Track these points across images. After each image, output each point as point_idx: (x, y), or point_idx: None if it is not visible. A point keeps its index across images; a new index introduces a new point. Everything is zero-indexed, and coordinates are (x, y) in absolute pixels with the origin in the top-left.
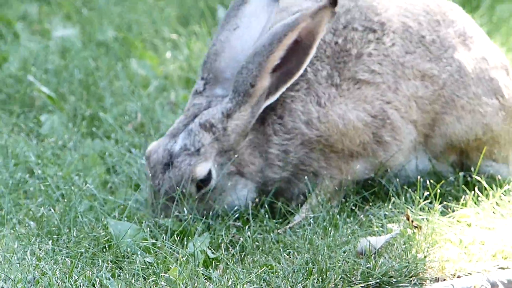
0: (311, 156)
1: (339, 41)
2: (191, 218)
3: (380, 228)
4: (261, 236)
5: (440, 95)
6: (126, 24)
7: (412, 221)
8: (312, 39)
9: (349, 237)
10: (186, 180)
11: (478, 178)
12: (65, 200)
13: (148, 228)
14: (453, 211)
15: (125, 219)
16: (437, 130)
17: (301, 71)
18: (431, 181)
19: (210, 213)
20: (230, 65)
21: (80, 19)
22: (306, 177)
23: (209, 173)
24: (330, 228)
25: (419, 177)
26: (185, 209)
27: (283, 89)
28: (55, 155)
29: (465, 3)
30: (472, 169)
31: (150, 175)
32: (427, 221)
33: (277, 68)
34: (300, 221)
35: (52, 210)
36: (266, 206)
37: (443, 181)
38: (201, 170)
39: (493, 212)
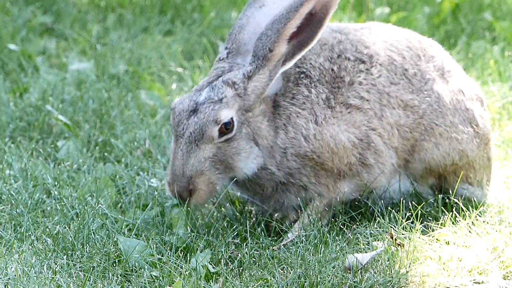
0: (302, 171)
1: (334, 68)
2: (194, 236)
3: (366, 246)
4: (258, 252)
5: (420, 123)
6: (136, 59)
7: (396, 239)
8: (326, 12)
9: (338, 253)
10: (210, 122)
11: (455, 200)
12: (79, 219)
13: (154, 245)
14: (433, 230)
15: (134, 236)
16: (416, 156)
17: (314, 42)
18: (413, 202)
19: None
20: (253, 39)
21: (95, 54)
22: (295, 190)
23: (232, 120)
24: (320, 245)
25: (402, 199)
26: (203, 159)
27: (298, 56)
28: (70, 178)
29: (444, 40)
30: (450, 191)
31: (175, 123)
32: (409, 239)
33: (293, 36)
34: (293, 239)
35: (67, 228)
36: (263, 224)
37: (423, 203)
38: (225, 114)
39: (469, 231)
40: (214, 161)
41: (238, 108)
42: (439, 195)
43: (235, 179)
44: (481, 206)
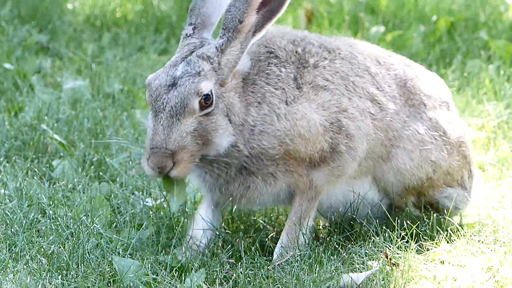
0: (271, 155)
1: (298, 50)
2: (188, 256)
3: (361, 265)
4: (252, 272)
5: (390, 125)
6: (131, 78)
7: (390, 259)
8: None
9: (333, 273)
10: (191, 95)
11: (450, 219)
12: (74, 238)
13: (149, 265)
14: (428, 249)
15: (129, 256)
16: (389, 164)
17: (282, 11)
18: (408, 221)
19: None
20: (216, 11)
21: (90, 73)
22: (262, 176)
23: (211, 92)
24: (315, 265)
25: (396, 218)
26: (185, 133)
27: (268, 26)
28: (65, 197)
29: (439, 59)
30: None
31: (152, 99)
32: (404, 258)
33: (262, 6)
34: (288, 258)
35: (62, 248)
36: (257, 244)
37: (418, 222)
38: (205, 86)
39: (464, 251)
40: (195, 135)
41: (214, 81)
42: (433, 215)
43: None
44: (476, 225)
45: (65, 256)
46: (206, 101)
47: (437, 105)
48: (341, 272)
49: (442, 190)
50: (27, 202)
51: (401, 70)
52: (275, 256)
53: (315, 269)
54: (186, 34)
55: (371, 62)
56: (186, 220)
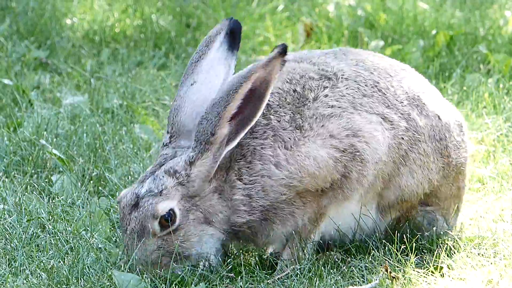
0: (284, 200)
1: (297, 88)
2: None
3: (361, 279)
4: (252, 286)
5: (401, 143)
6: (130, 93)
7: (390, 272)
8: (266, 87)
9: (333, 286)
10: (149, 217)
11: (450, 232)
12: (74, 253)
13: (149, 279)
14: (428, 263)
15: (128, 270)
16: (393, 182)
17: (257, 117)
18: (407, 235)
19: (182, 259)
20: (191, 118)
21: (89, 88)
22: (284, 220)
23: (173, 211)
24: (315, 279)
25: (396, 232)
26: (149, 253)
27: (241, 134)
28: (65, 212)
29: (439, 73)
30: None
31: (120, 217)
32: (404, 272)
33: (235, 116)
34: (288, 272)
35: (62, 262)
36: (257, 258)
37: (418, 236)
38: (162, 207)
39: (464, 264)
40: (162, 253)
41: (180, 197)
42: (433, 228)
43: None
44: (476, 239)
45: (65, 270)
46: (166, 220)
47: (451, 124)
48: (341, 285)
49: (426, 213)
50: (26, 217)
51: (414, 82)
52: (281, 258)
53: (315, 283)
54: (163, 143)
55: (379, 76)
56: None
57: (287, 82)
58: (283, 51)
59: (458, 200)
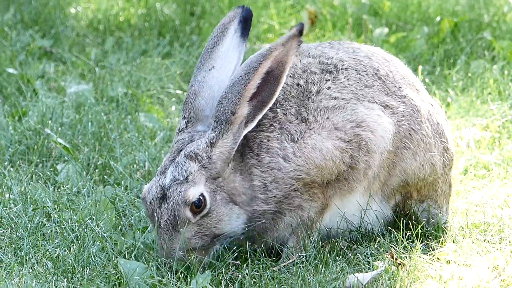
0: (293, 194)
1: (300, 82)
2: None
3: (367, 265)
4: (258, 273)
5: (400, 126)
6: (135, 81)
7: (396, 259)
8: (282, 69)
9: (338, 273)
10: (180, 205)
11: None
12: (79, 242)
13: (155, 267)
14: (433, 249)
15: (134, 258)
16: (397, 167)
17: (274, 99)
18: (413, 222)
19: (213, 248)
20: (209, 103)
21: (93, 77)
22: (292, 212)
23: (202, 196)
24: (320, 266)
25: (402, 218)
26: (186, 240)
27: (259, 116)
28: (70, 201)
29: (443, 60)
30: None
31: (149, 213)
32: (410, 258)
33: (254, 96)
34: (294, 259)
35: (68, 251)
36: (263, 246)
37: (423, 222)
38: (192, 193)
39: (470, 250)
40: (199, 236)
41: (205, 180)
42: (439, 213)
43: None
44: (481, 225)
45: (71, 259)
46: (198, 206)
47: (442, 116)
48: (347, 272)
49: (423, 204)
50: (32, 206)
51: (408, 72)
52: (285, 248)
53: (321, 270)
54: (179, 129)
55: (378, 62)
56: None
57: (290, 76)
58: (301, 30)
59: (448, 200)
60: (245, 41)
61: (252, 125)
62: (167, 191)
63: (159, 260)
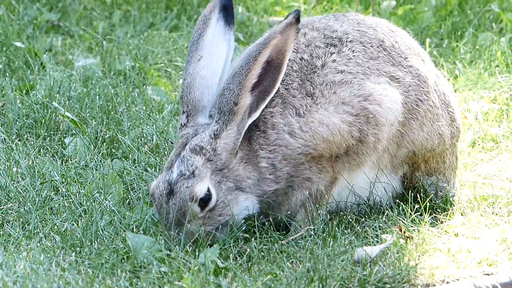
0: (302, 167)
1: (304, 56)
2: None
3: (375, 239)
4: (266, 246)
5: (407, 97)
6: (142, 55)
7: (404, 232)
8: (282, 57)
9: (347, 247)
10: (187, 201)
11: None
12: (87, 216)
13: (163, 241)
14: (442, 222)
15: (142, 232)
16: (406, 138)
17: (276, 88)
18: (421, 195)
19: (222, 228)
20: (204, 93)
21: (101, 50)
22: (301, 185)
23: (208, 190)
24: (329, 239)
25: (410, 191)
26: (195, 232)
27: (262, 106)
28: (78, 174)
29: (451, 32)
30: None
31: (158, 209)
32: (418, 231)
33: (255, 86)
34: (302, 233)
35: (76, 225)
36: (271, 219)
37: (431, 195)
38: (199, 189)
39: (478, 223)
40: (207, 225)
41: (211, 173)
42: (447, 186)
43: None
44: (490, 198)
45: (79, 233)
46: (205, 201)
47: (448, 87)
48: (355, 246)
49: (431, 177)
50: (39, 180)
51: (413, 42)
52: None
53: (329, 243)
54: (181, 124)
55: (383, 33)
56: None
57: (293, 51)
58: (298, 17)
59: (455, 174)
60: (232, 28)
61: (256, 115)
62: (174, 186)
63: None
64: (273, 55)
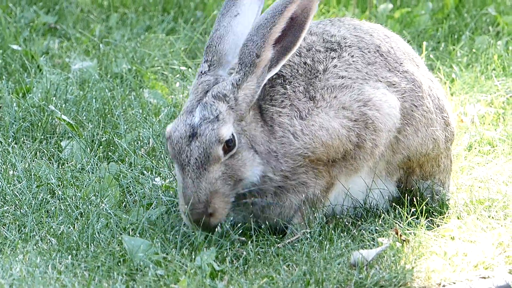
0: (298, 171)
1: (307, 61)
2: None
3: (371, 242)
4: (263, 250)
5: (403, 103)
6: (139, 58)
7: (401, 235)
8: (307, 16)
9: (343, 250)
10: (213, 143)
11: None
12: (84, 219)
13: (159, 244)
14: (438, 225)
15: (138, 235)
16: (401, 143)
17: (297, 46)
18: (417, 198)
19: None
20: (233, 49)
21: (98, 53)
22: (294, 188)
23: (233, 135)
24: (325, 242)
25: (406, 195)
26: (214, 180)
27: (282, 62)
28: (74, 177)
29: (448, 36)
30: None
31: (176, 152)
32: (414, 235)
33: (278, 41)
34: (299, 236)
35: (72, 228)
36: (267, 222)
37: (428, 199)
38: (226, 131)
39: (475, 226)
40: (224, 178)
41: (233, 120)
42: (442, 190)
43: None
44: (486, 201)
45: (75, 236)
46: (229, 144)
47: (442, 92)
48: (351, 249)
49: (426, 181)
50: (36, 183)
51: (408, 47)
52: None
53: (326, 247)
54: (201, 72)
55: (379, 38)
56: None
57: (296, 55)
58: None
59: (449, 176)
60: None
61: (276, 70)
62: (198, 128)
63: (164, 237)
64: (298, 12)
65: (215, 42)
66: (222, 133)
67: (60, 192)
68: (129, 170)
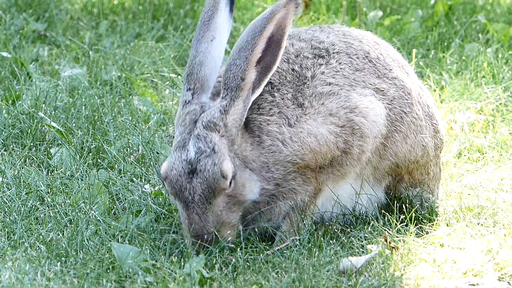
0: (288, 177)
1: (295, 67)
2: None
3: (361, 249)
4: (252, 257)
5: (391, 109)
6: (128, 65)
7: (390, 242)
8: (282, 33)
9: (332, 257)
10: (218, 179)
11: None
12: (73, 226)
13: (148, 251)
14: (427, 233)
15: (127, 242)
16: (388, 150)
17: (277, 64)
18: (407, 205)
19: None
20: (213, 73)
21: (87, 60)
22: (286, 195)
23: (232, 166)
24: (314, 249)
25: (395, 202)
26: (219, 211)
27: (264, 82)
28: (63, 185)
29: (437, 43)
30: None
31: (177, 190)
32: (403, 242)
33: (258, 62)
34: (288, 243)
35: (61, 235)
36: (256, 229)
37: (417, 206)
38: (227, 165)
39: (464, 233)
40: (229, 206)
41: (227, 148)
42: (432, 197)
43: None
44: (475, 208)
45: (64, 243)
46: (233, 176)
47: (431, 100)
48: (341, 256)
49: (415, 189)
50: (25, 190)
51: (397, 55)
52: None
53: (315, 254)
54: (185, 101)
55: (369, 45)
56: None
57: (284, 61)
58: None
59: (438, 185)
60: (232, 17)
61: (259, 91)
62: (197, 164)
63: (153, 244)
64: (274, 30)
65: (196, 70)
66: (225, 169)
67: (49, 199)
68: (119, 177)
